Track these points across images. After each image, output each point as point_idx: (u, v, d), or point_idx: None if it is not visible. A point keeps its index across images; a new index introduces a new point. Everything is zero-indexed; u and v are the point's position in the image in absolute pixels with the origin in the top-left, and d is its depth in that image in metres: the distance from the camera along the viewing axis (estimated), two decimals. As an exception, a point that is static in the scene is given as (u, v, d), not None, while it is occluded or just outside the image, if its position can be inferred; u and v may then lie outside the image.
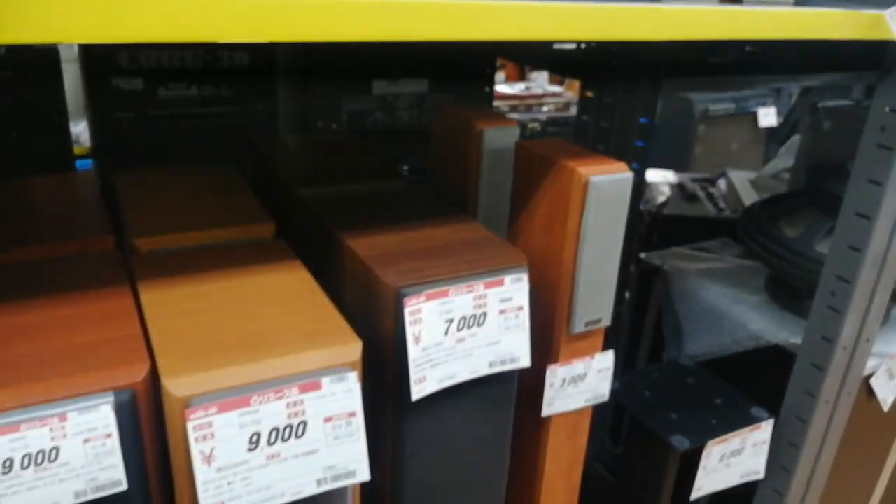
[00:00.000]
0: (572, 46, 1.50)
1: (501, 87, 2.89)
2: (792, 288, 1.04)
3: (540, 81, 3.14)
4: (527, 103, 2.88)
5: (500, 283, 0.58)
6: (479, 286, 0.57)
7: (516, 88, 2.95)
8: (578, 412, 0.74)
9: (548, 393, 0.71)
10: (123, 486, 0.45)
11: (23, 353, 0.47)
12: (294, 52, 1.18)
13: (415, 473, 0.59)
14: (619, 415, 1.25)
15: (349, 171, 0.83)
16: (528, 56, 1.57)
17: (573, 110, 2.96)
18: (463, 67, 1.36)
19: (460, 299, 0.56)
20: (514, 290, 0.58)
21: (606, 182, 0.64)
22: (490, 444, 0.64)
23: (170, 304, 0.54)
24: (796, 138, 1.81)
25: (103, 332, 0.50)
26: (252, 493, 0.47)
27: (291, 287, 0.59)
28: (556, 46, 1.50)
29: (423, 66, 1.30)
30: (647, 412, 0.87)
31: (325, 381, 0.48)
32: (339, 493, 0.52)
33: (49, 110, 1.05)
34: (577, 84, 3.16)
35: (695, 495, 0.85)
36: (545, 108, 2.93)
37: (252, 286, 0.58)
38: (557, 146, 0.71)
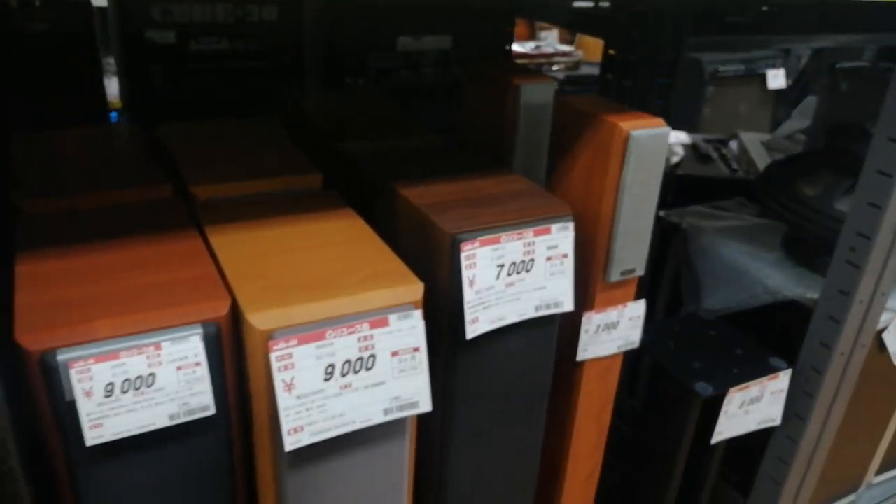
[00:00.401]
0: (590, 4, 1.51)
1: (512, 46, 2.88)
2: (808, 245, 1.08)
3: (550, 40, 3.13)
4: (537, 62, 2.88)
5: (548, 232, 0.61)
6: (529, 234, 0.60)
7: (527, 47, 2.94)
8: (610, 358, 0.78)
9: (583, 339, 0.74)
10: (212, 411, 0.49)
11: (114, 289, 0.50)
12: (321, 7, 1.19)
13: (464, 407, 0.63)
14: (635, 367, 1.29)
15: (389, 125, 0.85)
16: (547, 14, 1.58)
17: (583, 69, 2.96)
18: (484, 26, 1.37)
19: (511, 246, 0.59)
20: (561, 238, 0.62)
21: (646, 136, 0.67)
22: (532, 384, 0.68)
23: (238, 247, 0.57)
24: (811, 100, 1.83)
25: (182, 271, 0.53)
26: (327, 419, 0.51)
27: (349, 233, 0.62)
28: (575, 4, 1.51)
29: (446, 24, 1.31)
30: (672, 361, 0.91)
31: (392, 318, 0.52)
32: (400, 422, 0.56)
33: (84, 62, 1.07)
34: (587, 43, 3.14)
35: (715, 439, 0.89)
36: (555, 68, 2.93)
37: (311, 232, 0.61)
38: (596, 102, 0.74)
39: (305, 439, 0.50)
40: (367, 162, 0.73)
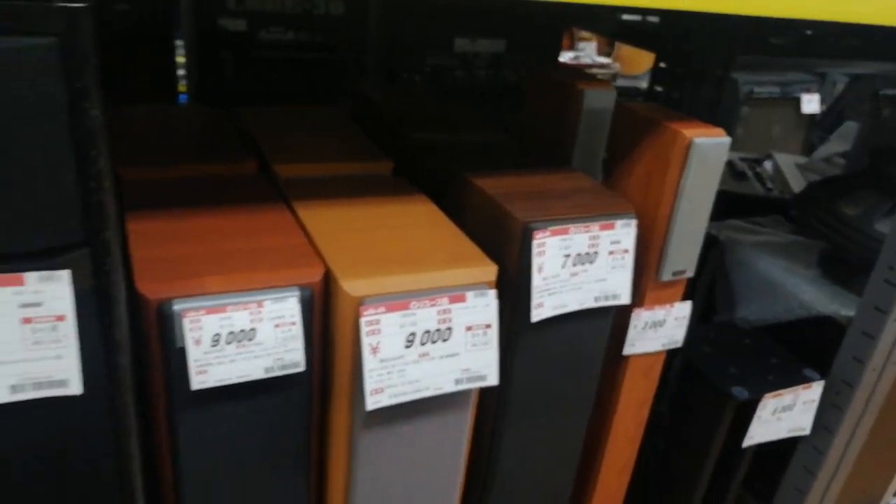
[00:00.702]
0: (637, 18, 1.55)
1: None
2: (844, 263, 1.10)
3: (588, 51, 3.17)
4: (575, 73, 2.91)
5: (612, 227, 0.65)
6: (595, 227, 0.64)
7: (565, 57, 2.98)
8: (654, 355, 0.81)
9: (631, 334, 0.78)
10: (302, 367, 0.53)
11: (218, 250, 0.54)
12: (385, 5, 1.23)
13: (520, 388, 0.67)
14: (664, 372, 1.32)
15: (454, 120, 0.89)
16: (597, 25, 1.62)
17: (619, 82, 3.00)
18: (536, 32, 1.41)
19: (578, 237, 0.63)
20: (623, 234, 0.65)
21: (708, 144, 0.70)
22: (583, 372, 0.71)
23: (323, 222, 0.62)
24: (849, 125, 1.85)
25: (277, 239, 0.57)
26: (405, 383, 0.54)
27: (424, 216, 0.66)
28: (624, 17, 1.55)
29: (501, 29, 1.35)
30: (708, 365, 0.94)
31: (469, 294, 0.56)
32: (465, 393, 0.60)
33: (158, 45, 1.12)
34: (625, 56, 3.16)
35: (746, 443, 0.92)
36: (592, 79, 2.96)
37: (389, 213, 0.65)
38: (657, 109, 0.77)
39: (385, 400, 0.54)
40: (438, 153, 0.77)
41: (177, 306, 0.49)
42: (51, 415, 0.43)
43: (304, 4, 1.17)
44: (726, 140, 0.72)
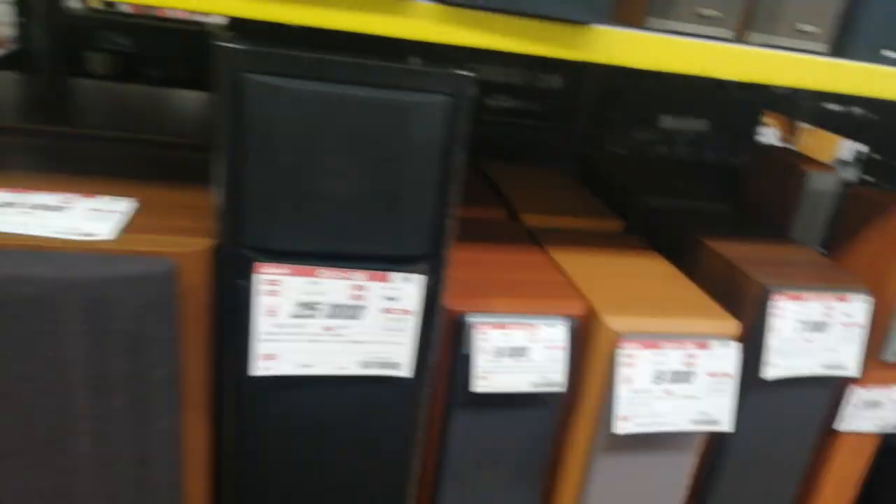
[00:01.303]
0: (839, 108, 1.55)
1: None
2: None
3: (770, 136, 3.12)
4: (755, 157, 2.87)
5: (845, 299, 0.68)
6: (830, 298, 0.68)
7: (746, 141, 2.96)
8: (867, 435, 0.82)
9: (845, 410, 0.79)
10: (561, 388, 0.60)
11: (497, 278, 0.64)
12: (598, 81, 1.33)
13: (743, 436, 0.70)
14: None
15: (679, 188, 0.96)
16: (799, 113, 1.64)
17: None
18: (736, 115, 1.46)
19: (812, 305, 0.67)
20: (857, 308, 0.69)
21: (946, 232, 0.72)
22: (799, 435, 0.74)
23: (575, 265, 0.70)
24: None
25: (542, 275, 0.66)
26: (648, 416, 0.61)
27: (661, 269, 0.72)
28: (828, 106, 1.56)
29: (704, 109, 1.41)
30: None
31: (713, 343, 0.61)
32: (694, 434, 0.65)
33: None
34: (806, 144, 3.09)
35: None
36: (772, 165, 2.91)
37: (630, 264, 0.73)
38: (887, 195, 0.80)
39: (630, 427, 0.60)
40: (669, 216, 0.84)
41: (470, 319, 0.58)
42: (377, 391, 0.54)
43: (527, 77, 1.30)
44: (965, 230, 0.74)
